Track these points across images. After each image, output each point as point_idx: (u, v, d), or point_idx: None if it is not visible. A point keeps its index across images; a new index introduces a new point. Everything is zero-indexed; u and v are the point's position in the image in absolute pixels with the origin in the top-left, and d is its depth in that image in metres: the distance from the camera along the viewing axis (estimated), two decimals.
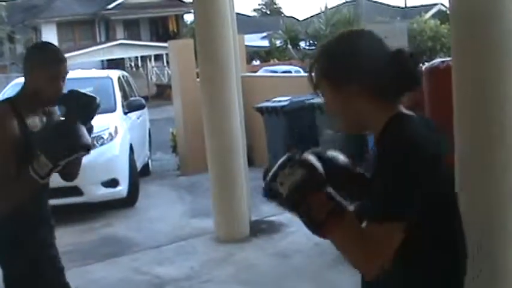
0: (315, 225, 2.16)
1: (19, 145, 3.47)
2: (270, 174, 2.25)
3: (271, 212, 8.63)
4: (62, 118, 3.69)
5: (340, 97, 2.24)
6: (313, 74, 2.30)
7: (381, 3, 47.31)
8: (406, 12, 38.88)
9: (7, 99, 3.73)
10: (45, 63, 3.58)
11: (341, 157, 2.47)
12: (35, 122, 3.62)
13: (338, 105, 2.26)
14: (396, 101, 2.25)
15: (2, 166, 3.45)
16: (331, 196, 2.16)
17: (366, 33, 2.32)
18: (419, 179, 2.10)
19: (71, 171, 3.82)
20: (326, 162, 2.27)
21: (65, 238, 8.23)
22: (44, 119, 3.71)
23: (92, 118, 3.73)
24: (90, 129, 3.66)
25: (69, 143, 3.42)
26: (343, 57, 2.23)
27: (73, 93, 3.69)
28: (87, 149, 3.50)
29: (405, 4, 44.90)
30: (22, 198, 3.47)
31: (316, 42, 29.70)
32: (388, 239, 2.10)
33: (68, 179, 3.92)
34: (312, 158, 2.21)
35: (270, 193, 2.24)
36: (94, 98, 3.72)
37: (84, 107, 3.67)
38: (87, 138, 3.50)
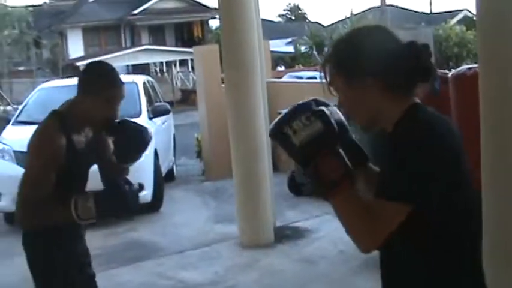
0: (326, 184, 2.12)
1: (63, 162, 3.48)
2: (282, 114, 2.19)
3: (296, 218, 8.64)
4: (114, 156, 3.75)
5: (354, 92, 2.23)
6: (327, 72, 2.30)
7: (406, 9, 47.17)
8: (431, 18, 38.71)
9: (55, 112, 3.64)
10: (104, 86, 3.55)
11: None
12: (81, 138, 3.62)
13: (352, 100, 2.26)
14: (410, 94, 2.24)
15: (42, 182, 3.46)
16: (344, 159, 2.14)
17: (377, 28, 2.31)
18: (437, 165, 2.09)
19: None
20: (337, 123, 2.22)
21: (91, 242, 8.22)
22: (90, 134, 3.69)
23: (144, 151, 3.79)
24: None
25: (117, 208, 3.59)
26: (355, 52, 2.21)
27: (124, 124, 3.73)
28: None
29: (431, 10, 44.68)
30: (56, 219, 3.51)
31: None
32: (393, 216, 2.09)
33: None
34: (330, 115, 2.16)
35: (279, 136, 2.17)
36: (145, 130, 3.77)
37: (136, 139, 3.73)
38: (135, 203, 3.66)
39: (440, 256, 2.17)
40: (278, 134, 2.17)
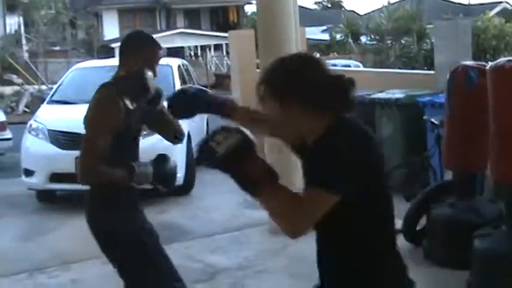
0: (250, 184, 2.47)
1: (120, 123, 3.85)
2: (204, 137, 2.55)
3: None
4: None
5: (282, 113, 2.54)
6: (261, 92, 2.59)
7: (444, 0, 46.71)
8: (469, 10, 38.34)
9: (105, 83, 4.01)
10: (141, 48, 3.97)
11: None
12: (132, 101, 3.95)
13: (280, 120, 2.57)
14: (332, 113, 2.54)
15: (100, 143, 3.79)
16: (264, 161, 2.50)
17: (308, 58, 2.64)
18: (354, 163, 2.43)
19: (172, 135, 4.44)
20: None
21: None
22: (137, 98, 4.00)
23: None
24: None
25: (168, 178, 4.18)
26: (285, 79, 2.53)
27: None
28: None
29: (469, 1, 44.25)
30: (112, 180, 3.91)
31: (377, 37, 29.51)
32: (317, 204, 2.43)
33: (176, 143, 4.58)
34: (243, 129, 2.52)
35: (202, 154, 2.53)
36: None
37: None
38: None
39: (364, 237, 2.55)
40: (204, 147, 2.51)
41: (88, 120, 3.91)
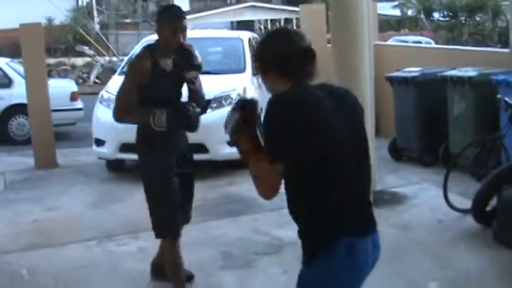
0: (242, 155, 3.07)
1: (147, 80, 4.82)
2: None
3: (396, 183, 8.55)
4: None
5: (264, 76, 3.15)
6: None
7: None
8: None
9: (148, 45, 5.09)
10: (167, 20, 4.89)
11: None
12: (167, 63, 4.96)
13: (264, 82, 3.17)
14: (300, 79, 3.08)
15: (128, 94, 4.87)
16: (255, 134, 3.01)
17: (284, 33, 3.23)
18: (282, 129, 2.89)
19: (192, 98, 5.13)
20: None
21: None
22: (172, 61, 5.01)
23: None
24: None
25: (182, 124, 4.99)
26: (264, 51, 3.15)
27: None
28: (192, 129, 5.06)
29: None
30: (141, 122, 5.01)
31: (450, 14, 29.00)
32: (271, 172, 2.94)
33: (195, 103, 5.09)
34: (249, 103, 3.10)
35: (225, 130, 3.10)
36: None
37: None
38: (195, 122, 5.01)
39: (310, 197, 3.00)
40: (224, 124, 3.09)
41: (125, 72, 5.11)
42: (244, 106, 3.08)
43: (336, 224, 2.98)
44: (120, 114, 5.02)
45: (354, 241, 2.98)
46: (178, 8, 5.22)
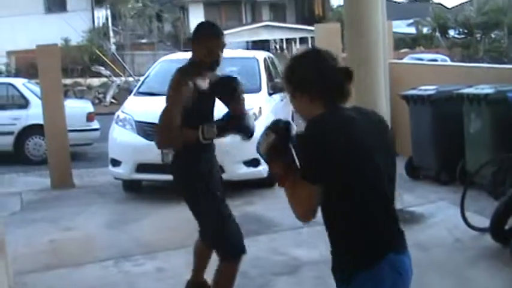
0: (275, 177, 3.04)
1: (190, 101, 4.68)
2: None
3: (413, 202, 8.49)
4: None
5: (293, 99, 3.10)
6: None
7: None
8: None
9: (183, 66, 4.93)
10: (203, 39, 4.77)
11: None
12: (203, 82, 4.83)
13: (293, 105, 3.12)
14: (332, 103, 3.02)
15: (174, 114, 4.68)
16: (291, 156, 2.97)
17: (317, 54, 3.11)
18: (319, 154, 2.84)
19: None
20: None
21: None
22: (208, 81, 4.89)
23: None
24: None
25: (236, 130, 4.97)
26: (293, 73, 3.08)
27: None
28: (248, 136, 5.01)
29: None
30: (185, 142, 4.76)
31: (466, 31, 28.97)
32: (308, 196, 2.90)
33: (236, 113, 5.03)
34: (285, 125, 3.03)
35: (257, 151, 3.07)
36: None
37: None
38: (252, 128, 5.02)
39: (341, 217, 2.99)
40: (257, 146, 3.06)
41: (167, 96, 4.80)
42: (279, 128, 3.03)
43: (376, 242, 2.98)
44: (167, 140, 4.89)
45: (395, 258, 2.99)
46: (215, 25, 5.06)
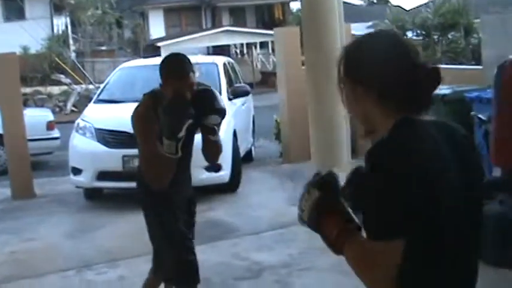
0: (330, 246, 2.25)
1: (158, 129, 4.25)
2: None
3: None
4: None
5: (348, 94, 2.22)
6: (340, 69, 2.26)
7: None
8: None
9: (151, 92, 4.50)
10: (169, 78, 4.33)
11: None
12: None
13: (346, 100, 2.25)
14: (404, 110, 2.15)
15: (148, 146, 4.31)
16: (346, 215, 2.22)
17: (391, 37, 2.26)
18: (408, 195, 1.99)
19: (208, 153, 4.66)
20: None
21: None
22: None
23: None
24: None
25: (175, 118, 4.18)
26: (356, 58, 2.20)
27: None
28: (196, 115, 4.26)
29: None
30: (169, 169, 4.30)
31: (423, 33, 29.25)
32: (385, 256, 2.04)
33: (210, 161, 4.85)
34: (330, 178, 2.28)
35: (300, 220, 2.37)
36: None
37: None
38: (190, 110, 4.21)
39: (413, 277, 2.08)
40: (298, 212, 2.35)
41: (135, 130, 4.44)
42: (323, 181, 2.30)
43: None
44: (166, 171, 4.36)
45: None
46: (183, 62, 4.43)
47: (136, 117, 4.40)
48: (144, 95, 4.52)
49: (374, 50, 2.18)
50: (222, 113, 4.44)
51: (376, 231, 2.05)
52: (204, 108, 4.35)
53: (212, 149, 4.65)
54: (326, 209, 2.23)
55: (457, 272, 2.14)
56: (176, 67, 4.38)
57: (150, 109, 4.32)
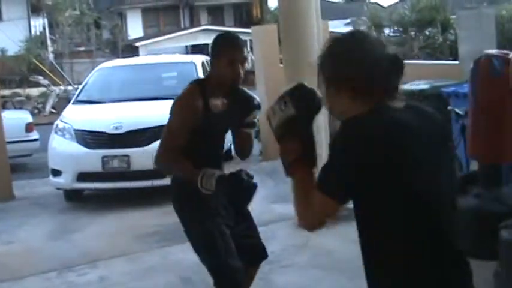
0: (285, 165, 2.45)
1: (198, 122, 4.06)
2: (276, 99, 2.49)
3: None
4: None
5: (326, 90, 2.44)
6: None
7: None
8: None
9: (197, 80, 4.44)
10: (225, 47, 4.16)
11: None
12: (217, 103, 4.17)
13: (326, 96, 2.46)
14: (378, 99, 2.37)
15: (176, 138, 4.08)
16: (308, 145, 2.43)
17: (357, 38, 2.48)
18: (347, 161, 2.28)
19: (245, 147, 4.58)
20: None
21: (149, 220, 8.37)
22: (225, 100, 4.20)
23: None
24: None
25: (232, 195, 4.25)
26: (328, 60, 2.45)
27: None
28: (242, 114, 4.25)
29: None
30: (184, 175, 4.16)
31: (401, 29, 29.38)
32: (320, 205, 2.33)
33: (244, 156, 4.68)
34: (309, 97, 2.47)
35: (268, 116, 2.48)
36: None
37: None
38: (249, 196, 4.34)
39: (384, 238, 2.38)
40: (268, 112, 2.47)
41: (171, 110, 4.18)
42: (303, 100, 2.44)
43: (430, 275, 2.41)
44: (165, 161, 4.21)
45: None
46: (237, 36, 4.43)
47: (177, 106, 4.16)
48: (192, 81, 4.35)
49: (349, 50, 2.42)
50: (260, 106, 4.37)
51: (318, 182, 2.34)
52: (250, 106, 4.29)
53: (250, 142, 4.59)
54: (293, 132, 2.40)
55: (428, 226, 2.35)
56: (233, 38, 4.33)
57: (197, 97, 4.10)
